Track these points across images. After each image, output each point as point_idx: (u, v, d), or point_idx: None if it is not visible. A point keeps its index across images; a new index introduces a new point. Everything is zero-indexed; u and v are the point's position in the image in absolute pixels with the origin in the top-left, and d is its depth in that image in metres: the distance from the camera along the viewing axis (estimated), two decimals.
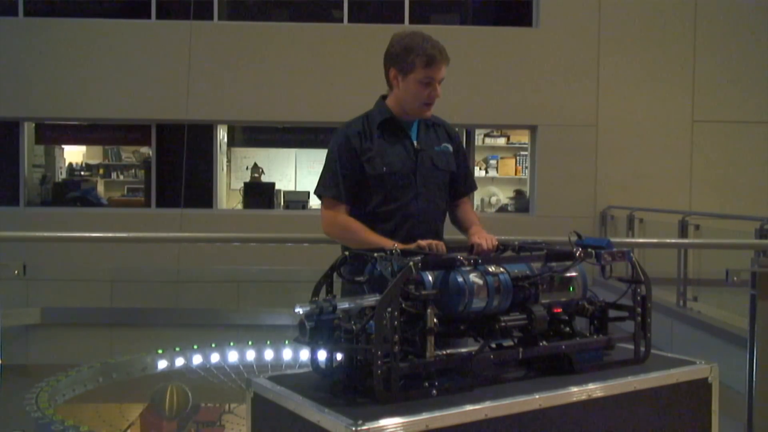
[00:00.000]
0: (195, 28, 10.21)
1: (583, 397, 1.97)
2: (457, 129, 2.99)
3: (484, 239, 2.55)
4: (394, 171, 2.68)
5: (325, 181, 2.72)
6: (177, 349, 8.13)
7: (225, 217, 10.39)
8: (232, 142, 11.51)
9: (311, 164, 11.75)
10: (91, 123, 11.00)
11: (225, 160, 11.11)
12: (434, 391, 1.88)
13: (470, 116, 9.89)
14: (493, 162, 11.77)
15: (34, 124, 10.76)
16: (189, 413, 7.39)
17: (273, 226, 9.79)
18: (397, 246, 2.18)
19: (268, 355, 8.11)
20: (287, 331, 7.95)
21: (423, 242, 2.41)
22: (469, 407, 1.80)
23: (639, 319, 2.24)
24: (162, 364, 8.00)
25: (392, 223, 2.68)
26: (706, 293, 7.31)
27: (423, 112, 2.72)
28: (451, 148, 2.83)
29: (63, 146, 12.01)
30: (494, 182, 11.60)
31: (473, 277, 1.99)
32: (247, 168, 11.48)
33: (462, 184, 2.91)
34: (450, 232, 2.92)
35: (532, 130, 10.41)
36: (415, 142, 2.75)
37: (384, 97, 2.79)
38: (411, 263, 1.89)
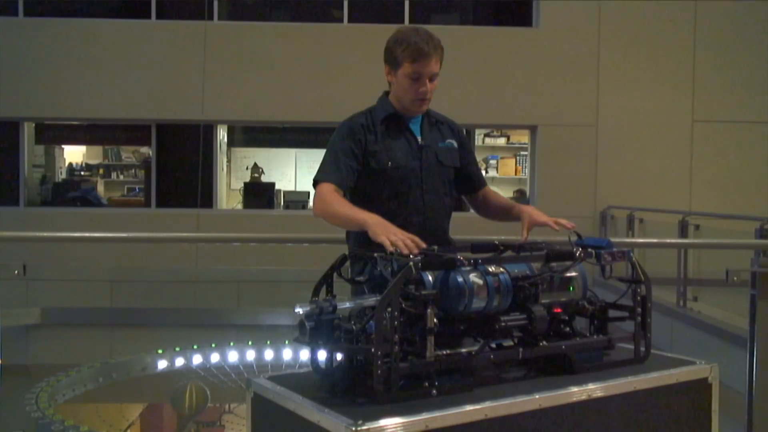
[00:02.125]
0: (195, 28, 10.23)
1: (583, 397, 1.97)
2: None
3: (546, 217, 2.54)
4: (399, 166, 2.65)
5: (325, 167, 2.64)
6: (177, 349, 8.13)
7: (225, 217, 10.39)
8: (232, 142, 11.51)
9: (311, 164, 11.74)
10: (91, 123, 11.00)
11: (225, 160, 11.11)
12: (434, 391, 1.88)
13: (470, 116, 9.88)
14: (493, 162, 11.78)
15: (34, 124, 10.76)
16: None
17: (273, 226, 9.78)
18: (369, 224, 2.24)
19: (268, 355, 8.11)
20: (287, 331, 7.95)
21: (388, 237, 2.17)
22: (469, 407, 1.80)
23: (639, 319, 2.24)
24: (162, 364, 8.01)
25: (401, 219, 2.60)
26: (706, 293, 7.31)
27: (417, 107, 2.67)
28: (455, 144, 2.80)
29: (63, 146, 12.01)
30: (494, 182, 11.59)
31: (473, 277, 1.99)
32: (247, 168, 11.48)
33: (474, 178, 2.88)
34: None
35: (532, 130, 10.41)
36: (419, 138, 2.72)
37: (387, 93, 2.76)
38: (411, 263, 1.89)
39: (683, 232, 7.13)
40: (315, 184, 2.62)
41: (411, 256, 1.97)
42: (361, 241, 2.49)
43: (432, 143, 2.74)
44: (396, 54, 2.58)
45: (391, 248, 2.07)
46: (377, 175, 2.65)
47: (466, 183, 2.86)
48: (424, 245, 2.14)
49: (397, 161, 2.66)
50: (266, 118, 10.56)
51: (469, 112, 9.69)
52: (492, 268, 2.05)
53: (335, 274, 2.14)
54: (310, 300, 1.97)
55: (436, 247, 2.20)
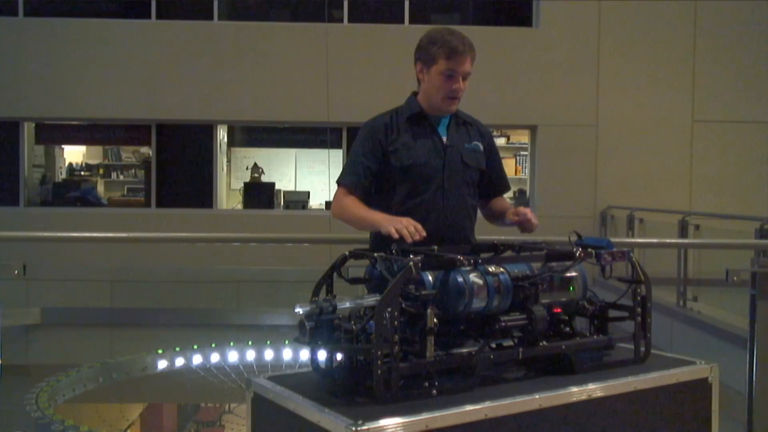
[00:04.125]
0: (195, 28, 10.23)
1: (583, 397, 1.97)
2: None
3: (526, 211, 2.60)
4: (420, 164, 2.65)
5: (345, 169, 2.70)
6: (177, 349, 8.13)
7: (225, 217, 10.39)
8: (232, 142, 11.51)
9: (311, 164, 11.75)
10: (91, 123, 11.00)
11: (225, 160, 11.11)
12: (434, 391, 1.88)
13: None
14: None
15: (34, 124, 10.75)
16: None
17: (273, 226, 9.79)
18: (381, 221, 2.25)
19: (268, 355, 8.11)
20: (287, 331, 7.95)
21: (394, 226, 2.31)
22: (469, 407, 1.80)
23: (639, 319, 2.24)
24: (162, 364, 8.01)
25: (417, 217, 2.57)
26: (706, 293, 7.30)
27: (447, 105, 2.70)
28: (482, 147, 2.81)
29: (63, 146, 12.01)
30: None
31: (473, 277, 1.99)
32: (247, 168, 11.48)
33: (497, 182, 2.88)
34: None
35: (532, 130, 10.40)
36: (444, 138, 2.72)
37: (415, 94, 2.78)
38: (411, 263, 1.89)
39: (683, 232, 7.13)
40: (337, 184, 2.71)
41: (411, 257, 1.98)
42: (377, 241, 2.51)
43: (457, 143, 2.74)
44: (431, 51, 2.64)
45: (396, 235, 2.21)
46: (398, 172, 2.65)
47: (485, 188, 2.85)
48: (424, 233, 2.26)
49: (418, 159, 2.65)
50: (266, 118, 10.56)
51: (468, 112, 9.66)
52: (492, 268, 2.05)
53: (335, 274, 2.14)
54: (310, 300, 1.97)
55: (435, 247, 2.20)
